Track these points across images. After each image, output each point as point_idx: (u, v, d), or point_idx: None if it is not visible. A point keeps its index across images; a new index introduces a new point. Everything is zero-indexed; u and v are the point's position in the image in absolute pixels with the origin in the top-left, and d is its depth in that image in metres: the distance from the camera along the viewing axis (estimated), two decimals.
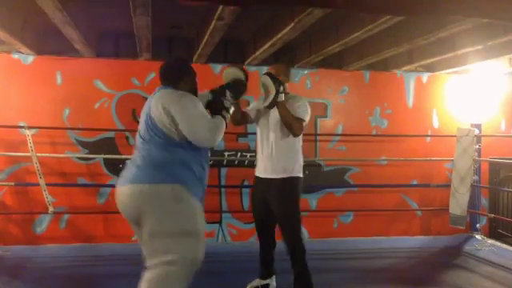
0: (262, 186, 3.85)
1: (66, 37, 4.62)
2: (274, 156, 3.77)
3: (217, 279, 4.50)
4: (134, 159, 2.79)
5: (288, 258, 3.70)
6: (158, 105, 2.73)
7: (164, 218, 2.63)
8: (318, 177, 6.12)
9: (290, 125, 3.66)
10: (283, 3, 3.77)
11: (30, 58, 5.45)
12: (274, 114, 3.75)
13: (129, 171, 2.76)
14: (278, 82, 3.63)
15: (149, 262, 2.66)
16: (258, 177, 3.93)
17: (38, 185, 5.18)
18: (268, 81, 3.61)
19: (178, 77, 2.95)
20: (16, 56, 5.42)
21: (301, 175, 3.83)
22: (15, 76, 5.45)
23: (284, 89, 3.76)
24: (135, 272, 3.59)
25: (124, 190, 2.72)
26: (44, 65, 5.49)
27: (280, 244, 3.82)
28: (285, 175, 3.75)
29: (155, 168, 2.68)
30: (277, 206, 3.78)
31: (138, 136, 2.86)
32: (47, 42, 5.34)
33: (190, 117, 2.71)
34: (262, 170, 3.86)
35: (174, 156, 2.71)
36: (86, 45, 4.95)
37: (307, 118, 3.79)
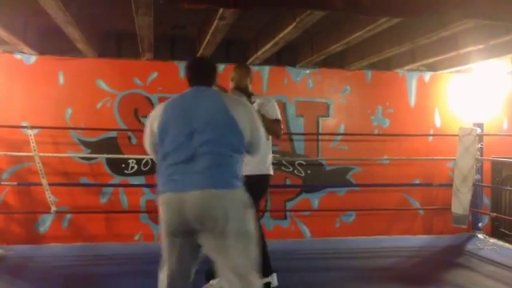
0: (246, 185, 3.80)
1: (69, 37, 4.63)
2: None
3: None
4: (191, 162, 2.48)
5: (289, 257, 3.69)
6: (238, 106, 2.65)
7: (241, 225, 2.50)
8: (320, 176, 6.12)
9: (273, 130, 3.74)
10: (283, 6, 3.76)
11: (33, 58, 5.46)
12: None
13: (192, 175, 2.47)
14: (247, 96, 3.72)
15: (227, 271, 2.47)
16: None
17: (40, 184, 5.19)
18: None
19: (214, 76, 2.85)
20: (18, 56, 5.43)
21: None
22: (18, 76, 5.46)
23: (251, 97, 3.83)
24: (137, 271, 3.62)
25: (191, 195, 2.44)
26: (46, 65, 5.50)
27: (280, 242, 3.81)
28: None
29: (229, 172, 2.54)
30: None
31: (187, 136, 2.51)
32: (49, 42, 5.35)
33: (259, 123, 2.73)
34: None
35: (240, 160, 2.62)
36: (89, 45, 4.96)
37: (279, 116, 3.90)
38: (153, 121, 2.66)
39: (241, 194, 2.53)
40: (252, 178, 3.64)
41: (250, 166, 3.61)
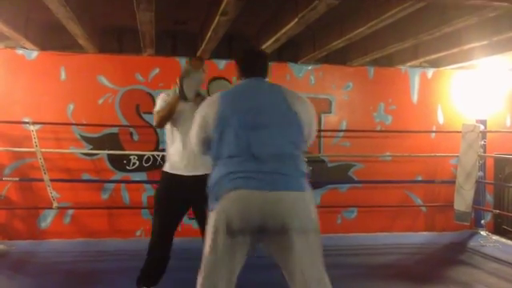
0: (186, 184, 3.48)
1: (70, 32, 4.63)
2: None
3: None
4: (263, 159, 2.36)
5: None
6: (300, 101, 2.55)
7: (315, 227, 2.49)
8: (321, 173, 6.10)
9: None
10: None
11: (34, 54, 5.45)
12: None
13: (273, 175, 2.36)
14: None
15: (300, 275, 2.35)
16: (180, 175, 3.49)
17: (42, 180, 5.19)
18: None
19: (268, 68, 2.78)
20: (20, 51, 5.43)
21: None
22: (19, 72, 5.46)
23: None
24: (138, 267, 3.61)
25: (276, 195, 2.33)
26: (48, 60, 5.49)
27: None
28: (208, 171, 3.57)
29: (302, 172, 2.46)
30: (204, 202, 3.55)
31: (253, 130, 2.40)
32: (51, 38, 5.35)
33: (315, 120, 2.67)
34: (190, 169, 3.47)
35: (302, 158, 2.54)
36: (90, 40, 4.96)
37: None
38: (208, 112, 2.50)
39: (312, 194, 2.49)
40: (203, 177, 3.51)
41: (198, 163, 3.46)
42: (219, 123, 2.43)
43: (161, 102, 3.52)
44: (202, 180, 3.09)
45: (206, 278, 2.40)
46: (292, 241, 2.32)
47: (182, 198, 3.51)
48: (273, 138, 2.40)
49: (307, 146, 2.68)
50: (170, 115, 3.45)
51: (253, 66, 2.69)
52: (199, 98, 3.47)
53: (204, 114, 2.53)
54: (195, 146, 2.65)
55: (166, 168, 3.54)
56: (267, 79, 2.73)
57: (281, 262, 2.40)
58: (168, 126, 3.52)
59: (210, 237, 2.37)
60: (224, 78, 3.58)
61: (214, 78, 3.52)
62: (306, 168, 2.48)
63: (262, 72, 2.70)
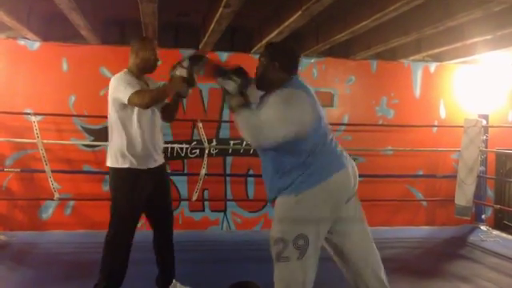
0: (156, 177, 3.45)
1: (73, 23, 4.61)
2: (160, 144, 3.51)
3: (221, 267, 4.51)
4: (332, 141, 2.68)
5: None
6: None
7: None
8: None
9: None
10: None
11: (36, 45, 5.44)
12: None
13: (343, 152, 2.72)
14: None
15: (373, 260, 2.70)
16: (149, 168, 3.38)
17: (43, 171, 5.19)
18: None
19: None
20: (22, 42, 5.41)
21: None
22: (21, 62, 5.44)
23: None
24: (139, 258, 3.62)
25: (353, 170, 2.67)
26: (50, 51, 5.48)
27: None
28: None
29: None
30: (168, 195, 3.64)
31: (327, 127, 2.69)
32: (53, 29, 5.34)
33: None
34: (153, 161, 3.41)
35: None
36: (92, 31, 4.94)
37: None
38: (306, 113, 2.51)
39: None
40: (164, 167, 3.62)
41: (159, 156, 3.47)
42: (318, 117, 2.56)
43: (131, 80, 3.25)
44: (165, 171, 3.46)
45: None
46: (354, 223, 2.79)
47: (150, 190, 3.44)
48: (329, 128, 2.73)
49: None
50: (163, 100, 3.34)
51: (297, 63, 2.76)
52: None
53: (303, 117, 2.49)
54: (273, 143, 2.47)
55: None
56: None
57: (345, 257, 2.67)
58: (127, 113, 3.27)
59: None
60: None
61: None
62: None
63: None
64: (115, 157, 3.29)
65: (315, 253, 2.49)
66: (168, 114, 3.52)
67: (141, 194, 3.37)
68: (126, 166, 3.27)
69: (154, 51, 3.40)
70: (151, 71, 3.44)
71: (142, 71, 3.41)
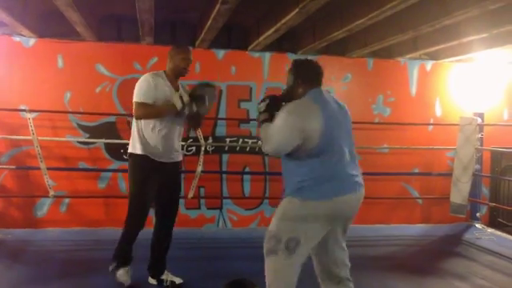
0: (168, 171, 3.78)
1: (68, 20, 4.58)
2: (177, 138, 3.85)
3: (216, 264, 4.51)
4: (350, 165, 2.83)
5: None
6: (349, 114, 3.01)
7: None
8: None
9: None
10: None
11: (32, 41, 5.40)
12: None
13: (357, 177, 2.88)
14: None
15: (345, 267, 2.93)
16: (163, 162, 3.73)
17: (38, 168, 5.16)
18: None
19: None
20: (17, 39, 5.38)
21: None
22: (16, 59, 5.41)
23: None
24: (135, 256, 3.62)
25: (359, 195, 2.91)
26: (45, 48, 5.44)
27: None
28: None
29: None
30: (178, 187, 4.01)
31: (344, 140, 2.80)
32: (49, 25, 5.30)
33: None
34: (168, 157, 3.76)
35: None
36: (88, 28, 4.91)
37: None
38: (311, 121, 2.65)
39: None
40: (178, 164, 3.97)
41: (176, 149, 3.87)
42: (329, 132, 2.66)
43: (148, 90, 3.59)
44: (178, 165, 3.84)
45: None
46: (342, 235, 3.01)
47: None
48: (350, 146, 2.85)
49: None
50: (158, 117, 3.63)
51: (320, 76, 2.92)
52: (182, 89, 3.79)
53: (306, 122, 2.64)
54: (283, 149, 2.73)
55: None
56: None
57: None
58: None
59: None
60: (209, 84, 3.66)
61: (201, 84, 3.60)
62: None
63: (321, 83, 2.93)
64: (133, 146, 3.69)
65: (305, 253, 2.71)
66: (189, 122, 3.86)
67: (154, 179, 3.68)
68: (142, 153, 3.63)
69: (184, 60, 3.71)
70: (182, 76, 3.79)
71: (174, 75, 3.75)
